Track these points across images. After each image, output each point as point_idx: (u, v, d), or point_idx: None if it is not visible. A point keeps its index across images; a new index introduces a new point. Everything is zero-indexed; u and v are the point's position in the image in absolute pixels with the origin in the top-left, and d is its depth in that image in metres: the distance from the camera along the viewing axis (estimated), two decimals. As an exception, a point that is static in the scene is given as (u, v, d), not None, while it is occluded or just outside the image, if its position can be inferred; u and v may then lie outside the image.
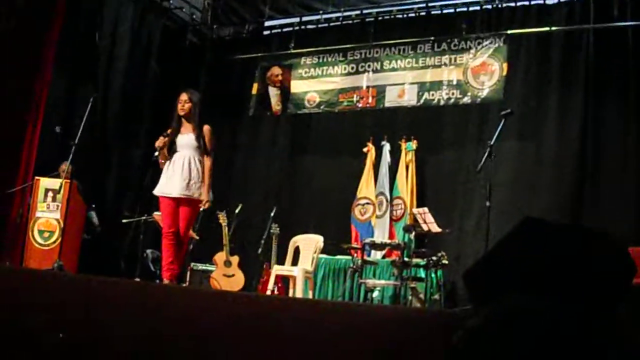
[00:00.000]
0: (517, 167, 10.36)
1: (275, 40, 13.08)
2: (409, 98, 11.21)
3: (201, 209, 7.49)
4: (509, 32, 10.67)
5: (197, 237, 10.40)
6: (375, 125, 11.79)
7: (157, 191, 7.23)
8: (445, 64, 11.05)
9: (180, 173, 7.06)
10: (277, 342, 3.15)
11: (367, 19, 12.17)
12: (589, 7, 10.19)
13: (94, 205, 10.21)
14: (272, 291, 9.61)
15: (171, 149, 7.18)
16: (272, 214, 10.53)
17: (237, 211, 10.66)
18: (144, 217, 10.04)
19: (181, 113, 7.23)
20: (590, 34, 10.22)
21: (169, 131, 7.27)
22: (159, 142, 7.22)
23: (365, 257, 9.35)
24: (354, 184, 11.45)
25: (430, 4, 11.64)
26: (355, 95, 11.70)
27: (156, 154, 7.37)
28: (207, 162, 7.22)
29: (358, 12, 12.34)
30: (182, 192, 7.04)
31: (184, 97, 7.29)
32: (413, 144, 11.09)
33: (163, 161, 7.24)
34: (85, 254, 9.38)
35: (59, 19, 9.78)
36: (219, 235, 10.15)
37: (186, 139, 7.20)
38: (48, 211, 9.11)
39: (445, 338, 1.78)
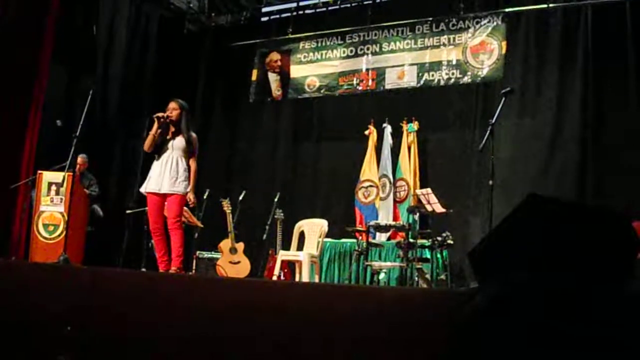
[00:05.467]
0: (518, 144, 10.34)
1: (274, 26, 13.06)
2: (409, 79, 11.20)
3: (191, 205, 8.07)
4: (507, 10, 10.64)
5: (201, 225, 10.42)
6: (376, 107, 11.77)
7: (147, 189, 7.68)
8: (444, 44, 11.02)
9: (169, 172, 7.54)
10: (285, 327, 3.16)
11: (364, 2, 12.10)
12: (586, -17, 10.17)
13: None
14: (279, 276, 9.62)
15: (160, 149, 7.64)
16: (275, 200, 10.53)
17: (240, 198, 10.65)
18: (147, 208, 10.04)
19: (169, 118, 7.66)
20: (588, 9, 10.18)
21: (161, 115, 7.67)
22: (160, 114, 7.65)
23: (371, 240, 9.36)
24: (356, 167, 11.45)
25: (427, -15, 11.60)
26: (355, 78, 11.69)
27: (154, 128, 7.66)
28: (194, 165, 7.74)
29: (355, -6, 12.29)
30: (170, 189, 7.51)
31: (171, 105, 7.74)
32: (414, 125, 11.08)
33: (150, 144, 7.64)
34: (90, 246, 9.40)
35: (54, 12, 9.75)
36: (223, 223, 10.15)
37: (176, 142, 7.65)
38: (52, 205, 9.13)
39: (453, 317, 1.78)
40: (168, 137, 7.65)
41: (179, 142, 7.63)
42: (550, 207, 1.79)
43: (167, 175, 7.51)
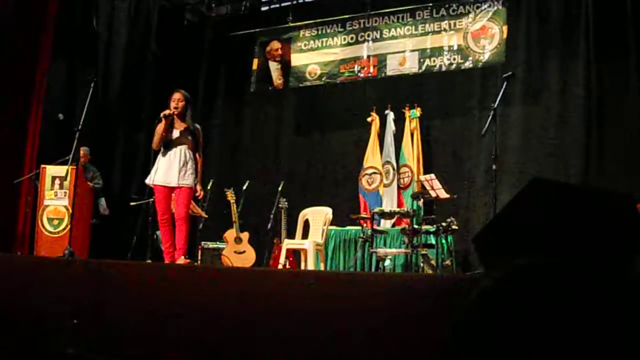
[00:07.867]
0: (522, 129, 10.33)
1: (274, 15, 13.02)
2: (411, 65, 11.17)
3: (198, 197, 8.16)
4: (507, -7, 10.61)
5: (206, 216, 10.43)
6: (378, 94, 11.74)
7: (154, 181, 7.67)
8: (445, 30, 10.98)
9: (178, 165, 7.57)
10: (291, 316, 3.16)
11: (364, -12, 12.07)
12: (587, -36, 10.11)
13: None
14: (284, 265, 9.63)
15: (167, 142, 7.65)
16: (279, 189, 10.54)
17: (244, 187, 10.66)
18: (151, 199, 10.05)
19: (175, 112, 7.68)
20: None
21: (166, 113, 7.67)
22: (167, 112, 7.65)
23: (375, 227, 9.38)
24: (359, 154, 11.44)
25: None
26: (356, 66, 11.66)
27: (161, 125, 7.63)
28: (200, 158, 7.85)
29: (355, -19, 12.24)
30: (180, 182, 7.56)
31: (177, 96, 7.77)
32: (417, 111, 11.04)
33: (158, 142, 7.66)
34: (95, 239, 9.42)
35: (54, 5, 9.74)
36: (228, 213, 10.17)
37: (182, 135, 7.69)
38: (56, 199, 9.14)
39: (459, 303, 1.78)
40: (173, 131, 7.67)
41: (184, 134, 7.66)
42: (554, 190, 1.79)
43: (176, 168, 7.54)
